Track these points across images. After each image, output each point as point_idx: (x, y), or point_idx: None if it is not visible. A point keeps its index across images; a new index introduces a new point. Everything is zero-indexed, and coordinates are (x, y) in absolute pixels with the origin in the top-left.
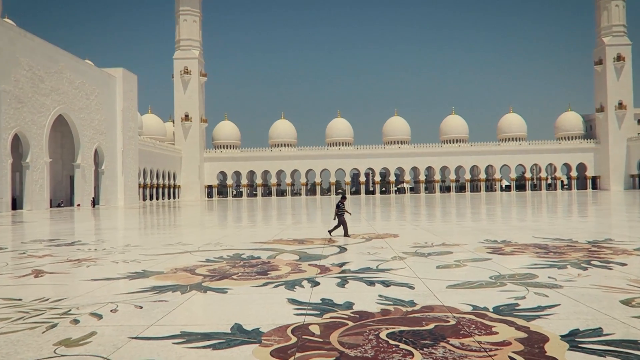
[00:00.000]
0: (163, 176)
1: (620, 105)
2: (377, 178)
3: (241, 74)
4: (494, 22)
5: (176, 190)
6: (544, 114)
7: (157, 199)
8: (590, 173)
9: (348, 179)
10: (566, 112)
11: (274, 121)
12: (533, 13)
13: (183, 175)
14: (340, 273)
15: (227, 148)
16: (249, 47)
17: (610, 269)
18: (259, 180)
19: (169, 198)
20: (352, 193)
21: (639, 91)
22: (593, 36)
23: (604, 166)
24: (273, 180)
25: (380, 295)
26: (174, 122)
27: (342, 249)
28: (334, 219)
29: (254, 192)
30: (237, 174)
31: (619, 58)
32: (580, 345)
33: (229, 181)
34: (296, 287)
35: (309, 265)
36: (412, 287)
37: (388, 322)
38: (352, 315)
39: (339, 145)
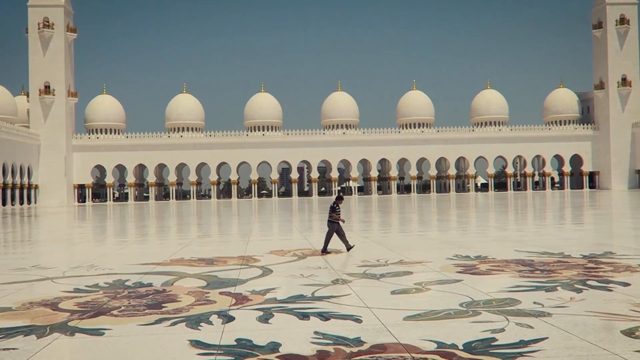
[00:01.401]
0: (12, 172)
1: (624, 82)
2: (315, 174)
3: (128, 33)
4: None
5: (32, 191)
6: (530, 91)
7: (4, 204)
8: (587, 168)
9: (275, 175)
10: (557, 89)
11: (174, 96)
12: None
13: (42, 171)
14: (262, 303)
15: (106, 133)
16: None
17: (610, 290)
18: (151, 178)
19: (21, 203)
20: (280, 194)
21: None
22: None
23: (604, 159)
24: (172, 177)
25: (316, 332)
26: (28, 96)
27: (266, 271)
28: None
29: (145, 194)
30: (121, 168)
31: (623, 21)
32: None
33: (110, 179)
34: (202, 324)
35: (221, 293)
36: (359, 320)
37: None
38: None
39: (263, 130)
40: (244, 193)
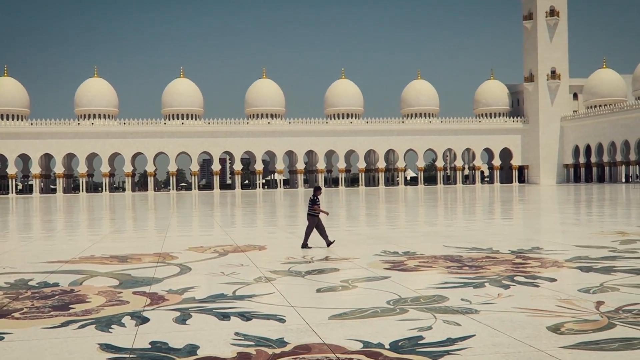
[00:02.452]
0: None
1: (554, 74)
2: (238, 166)
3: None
4: None
5: None
6: (460, 83)
7: None
8: (516, 162)
9: (195, 167)
10: (488, 81)
11: (82, 81)
12: None
13: None
14: (180, 303)
15: (7, 119)
16: None
17: (537, 286)
18: (59, 169)
19: None
20: (201, 187)
21: (576, 57)
22: None
23: (533, 153)
24: (82, 168)
25: (237, 334)
26: None
27: (184, 269)
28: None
29: (52, 187)
30: (25, 158)
31: (553, 13)
32: None
33: (11, 170)
34: (113, 326)
35: (134, 293)
36: (282, 320)
37: None
38: None
39: (182, 118)
40: (162, 186)
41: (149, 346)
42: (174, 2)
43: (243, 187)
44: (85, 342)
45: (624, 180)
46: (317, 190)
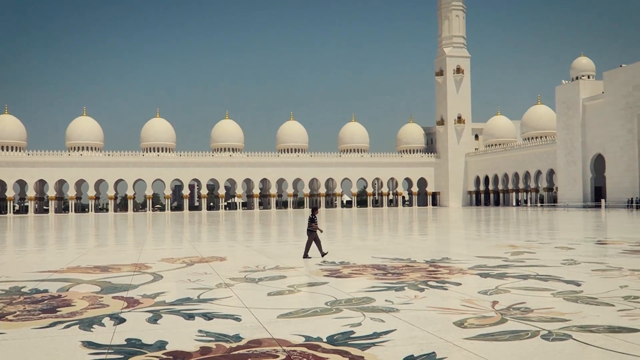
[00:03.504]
0: None
1: (459, 119)
2: (204, 191)
3: (32, 53)
4: (334, 23)
5: None
6: (386, 125)
7: None
8: (430, 189)
9: (168, 191)
10: (408, 124)
11: (73, 119)
12: (377, 16)
13: None
14: (152, 306)
15: (7, 150)
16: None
17: (446, 289)
18: (51, 192)
19: None
20: (173, 208)
21: (477, 106)
22: (435, 45)
23: (443, 182)
24: (71, 192)
25: (200, 331)
26: None
27: (157, 277)
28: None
29: (45, 207)
30: (22, 183)
31: (459, 70)
32: None
33: (10, 193)
34: (95, 326)
35: (113, 298)
36: (238, 319)
37: None
38: (164, 357)
39: (157, 151)
40: (140, 207)
41: (125, 342)
42: (149, 54)
43: (208, 208)
44: (69, 340)
45: (514, 204)
46: (315, 210)
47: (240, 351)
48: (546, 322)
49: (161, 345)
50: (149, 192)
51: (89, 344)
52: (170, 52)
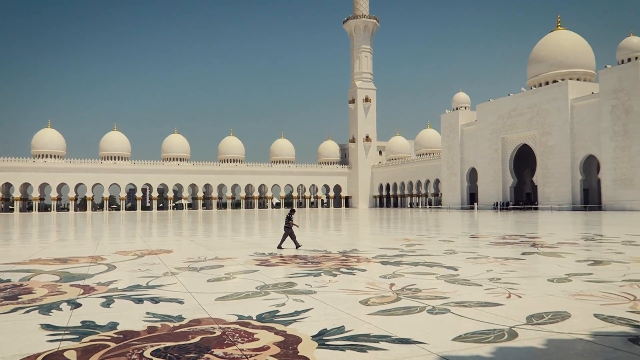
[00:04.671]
0: None
1: (367, 138)
2: (155, 194)
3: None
4: (269, 55)
5: None
6: (309, 141)
7: None
8: (344, 193)
9: (123, 194)
10: (326, 141)
11: (38, 130)
12: (305, 52)
13: None
14: (106, 292)
15: None
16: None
17: (354, 274)
18: (17, 194)
19: None
20: (127, 209)
21: (381, 127)
22: (349, 78)
23: (354, 188)
24: (35, 194)
25: (148, 313)
26: None
27: (111, 267)
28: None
29: (10, 207)
30: None
31: (367, 99)
32: (326, 342)
33: None
34: (53, 310)
35: (71, 285)
36: (181, 302)
37: (154, 340)
38: (115, 336)
39: (115, 159)
40: (97, 207)
41: (80, 324)
42: (107, 73)
43: (158, 209)
44: (29, 323)
45: (409, 206)
46: (292, 211)
47: (183, 329)
48: (431, 300)
49: (113, 326)
50: (106, 194)
51: (47, 327)
52: (125, 71)
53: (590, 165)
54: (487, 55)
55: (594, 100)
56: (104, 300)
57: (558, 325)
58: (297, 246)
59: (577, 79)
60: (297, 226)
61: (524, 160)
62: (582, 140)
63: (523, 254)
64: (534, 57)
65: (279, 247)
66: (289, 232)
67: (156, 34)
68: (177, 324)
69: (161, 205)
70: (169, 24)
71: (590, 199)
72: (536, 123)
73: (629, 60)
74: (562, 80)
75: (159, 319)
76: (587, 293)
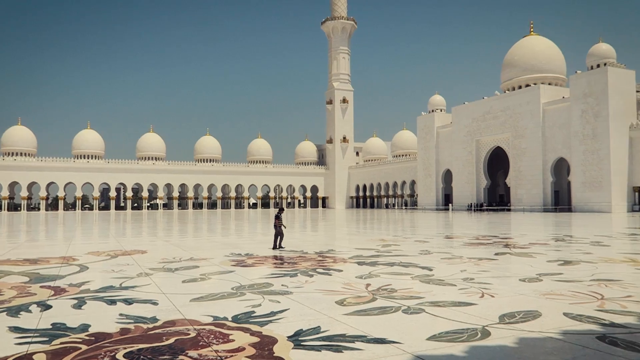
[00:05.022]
0: None
1: (344, 139)
2: (129, 193)
3: None
4: (248, 57)
5: None
6: (286, 141)
7: None
8: (321, 194)
9: (97, 193)
10: (304, 141)
11: (8, 127)
12: (284, 53)
13: None
14: (78, 294)
15: None
16: None
17: (330, 275)
18: None
19: None
20: (100, 208)
21: (358, 129)
22: (327, 79)
23: (331, 188)
24: (4, 193)
25: (121, 314)
26: None
27: (83, 268)
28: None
29: None
30: None
31: (344, 101)
32: (302, 343)
33: None
34: (22, 312)
35: (41, 287)
36: (155, 303)
37: (127, 342)
38: (86, 338)
39: (88, 158)
40: (70, 207)
41: (50, 327)
42: (82, 70)
43: (133, 208)
44: None
45: (385, 207)
46: (281, 211)
47: (157, 331)
48: (406, 300)
49: (84, 328)
50: (79, 193)
51: (15, 329)
52: (101, 68)
53: (561, 168)
54: (462, 58)
55: (564, 105)
56: (76, 301)
57: (529, 324)
58: (277, 247)
59: (549, 84)
60: (285, 227)
61: (497, 163)
62: (553, 143)
63: (496, 254)
64: (507, 61)
65: (275, 247)
66: (277, 230)
67: (133, 33)
68: (151, 326)
69: (135, 205)
70: (146, 23)
71: (560, 200)
72: (509, 126)
73: (598, 66)
74: (535, 84)
75: (133, 321)
76: (557, 292)
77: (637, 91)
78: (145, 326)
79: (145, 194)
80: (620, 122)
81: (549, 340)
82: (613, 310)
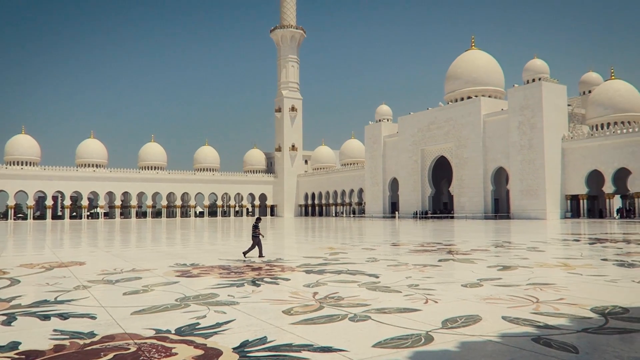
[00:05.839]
0: None
1: (293, 147)
2: (68, 202)
3: None
4: (194, 62)
5: None
6: (234, 149)
7: None
8: (269, 202)
9: (31, 202)
10: (252, 149)
11: None
12: (231, 59)
13: None
14: (7, 309)
15: None
16: None
17: (278, 284)
18: None
19: None
20: (35, 218)
21: (307, 137)
22: (276, 87)
23: (280, 196)
24: None
25: (55, 330)
26: None
27: (14, 281)
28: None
29: None
30: None
31: (293, 109)
32: (248, 354)
33: None
34: None
35: None
36: (94, 317)
37: (61, 359)
38: (16, 357)
39: (23, 165)
40: (1, 216)
41: None
42: (16, 68)
43: (71, 218)
44: None
45: (334, 214)
46: (258, 220)
47: (94, 346)
48: (353, 307)
49: (14, 345)
50: (12, 202)
51: None
52: (34, 70)
53: (501, 177)
54: (408, 70)
55: (503, 116)
56: (5, 317)
57: (470, 328)
58: (261, 256)
59: (489, 96)
60: (264, 236)
61: (441, 171)
62: (493, 153)
63: (440, 260)
64: (450, 74)
65: (260, 255)
66: (257, 240)
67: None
68: (88, 341)
69: (74, 214)
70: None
71: (500, 208)
72: (452, 136)
73: (534, 80)
74: (476, 96)
75: (68, 337)
76: (496, 297)
77: (568, 105)
78: (81, 342)
79: (85, 202)
80: (554, 133)
81: (488, 343)
82: (547, 313)
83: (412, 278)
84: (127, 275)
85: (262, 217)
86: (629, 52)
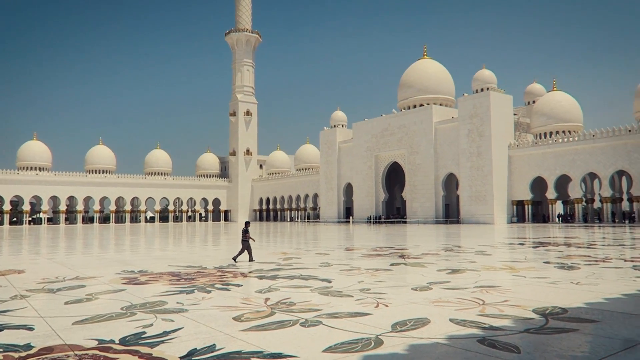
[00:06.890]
0: None
1: (248, 152)
2: (7, 207)
3: None
4: (145, 64)
5: None
6: (187, 153)
7: None
8: (223, 207)
9: None
10: (206, 153)
11: None
12: (183, 61)
13: None
14: None
15: None
16: None
17: (229, 290)
18: None
19: None
20: None
21: (262, 142)
22: (230, 90)
23: (234, 201)
24: None
25: None
26: None
27: None
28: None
29: None
30: None
31: (248, 113)
32: None
33: None
34: None
35: None
36: (31, 329)
37: None
38: None
39: None
40: None
41: None
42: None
43: (11, 223)
44: None
45: (288, 219)
46: (247, 224)
47: (30, 359)
48: (305, 312)
49: None
50: None
51: None
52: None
53: (451, 183)
54: (363, 76)
55: (453, 124)
56: None
57: (419, 331)
58: (251, 260)
59: (440, 104)
60: (254, 240)
61: (395, 177)
62: (444, 160)
63: (392, 264)
64: (403, 81)
65: (251, 259)
66: (246, 245)
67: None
68: (24, 354)
69: (15, 219)
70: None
71: (450, 213)
72: (405, 143)
73: (482, 90)
74: (428, 104)
75: (2, 350)
76: (444, 300)
77: (514, 114)
78: (17, 355)
79: (26, 207)
80: (501, 141)
81: (437, 345)
82: (492, 315)
83: (364, 282)
84: (70, 283)
85: (250, 222)
86: (570, 65)
